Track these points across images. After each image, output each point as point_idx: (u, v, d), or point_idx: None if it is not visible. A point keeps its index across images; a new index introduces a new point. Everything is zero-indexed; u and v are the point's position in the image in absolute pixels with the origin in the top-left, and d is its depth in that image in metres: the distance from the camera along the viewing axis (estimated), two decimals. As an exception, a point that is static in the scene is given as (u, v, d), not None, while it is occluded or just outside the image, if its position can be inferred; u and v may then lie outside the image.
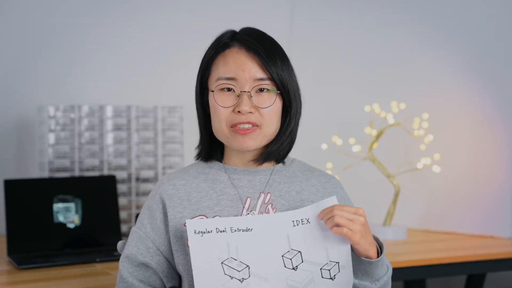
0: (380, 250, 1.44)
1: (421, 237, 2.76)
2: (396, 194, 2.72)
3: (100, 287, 1.84)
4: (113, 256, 2.19)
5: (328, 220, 1.37)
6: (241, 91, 1.43)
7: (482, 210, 2.77)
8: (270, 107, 1.44)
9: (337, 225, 1.36)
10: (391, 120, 2.77)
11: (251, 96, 1.43)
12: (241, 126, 1.43)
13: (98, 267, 2.10)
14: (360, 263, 1.42)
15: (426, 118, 2.81)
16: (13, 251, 2.23)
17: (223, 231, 1.36)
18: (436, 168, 2.79)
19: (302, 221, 1.39)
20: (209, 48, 1.50)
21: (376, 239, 1.45)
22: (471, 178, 2.81)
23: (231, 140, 1.45)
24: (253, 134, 1.44)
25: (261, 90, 1.44)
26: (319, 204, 1.41)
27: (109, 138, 2.64)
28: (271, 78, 1.44)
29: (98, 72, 2.97)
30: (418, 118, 2.80)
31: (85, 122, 2.61)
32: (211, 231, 1.35)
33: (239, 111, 1.43)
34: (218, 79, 1.45)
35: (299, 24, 3.31)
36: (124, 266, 1.47)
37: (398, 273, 1.88)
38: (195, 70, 1.53)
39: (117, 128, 2.65)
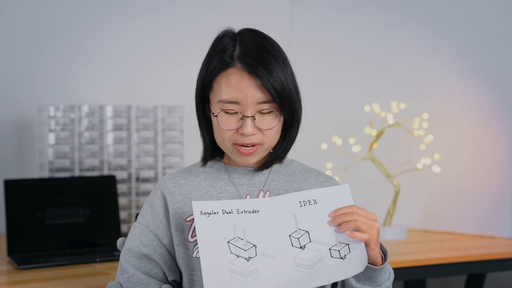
0: (384, 256, 1.44)
1: (421, 237, 2.76)
2: (396, 194, 2.71)
3: (100, 287, 1.84)
4: (113, 256, 2.19)
5: (345, 223, 1.35)
6: (244, 116, 1.41)
7: (482, 210, 2.76)
8: (273, 128, 1.44)
9: (357, 230, 1.34)
10: (391, 120, 2.77)
11: (254, 119, 1.42)
12: (244, 146, 1.43)
13: (98, 267, 2.10)
14: (365, 269, 1.41)
15: (426, 118, 2.80)
16: (13, 251, 2.23)
17: (230, 212, 1.36)
18: (436, 168, 2.78)
19: (309, 202, 1.38)
20: (209, 58, 1.45)
21: (380, 245, 1.44)
22: (471, 178, 2.81)
23: (234, 156, 1.46)
24: (255, 152, 1.45)
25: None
26: (328, 189, 1.40)
27: (109, 138, 2.64)
28: (274, 100, 1.41)
29: (98, 72, 2.97)
30: (418, 118, 2.80)
31: (85, 122, 2.61)
32: (217, 212, 1.35)
33: (242, 133, 1.42)
34: (221, 101, 1.42)
35: (299, 24, 3.31)
36: (125, 259, 1.47)
37: (398, 273, 1.88)
38: (195, 71, 1.51)
39: (117, 128, 2.65)
